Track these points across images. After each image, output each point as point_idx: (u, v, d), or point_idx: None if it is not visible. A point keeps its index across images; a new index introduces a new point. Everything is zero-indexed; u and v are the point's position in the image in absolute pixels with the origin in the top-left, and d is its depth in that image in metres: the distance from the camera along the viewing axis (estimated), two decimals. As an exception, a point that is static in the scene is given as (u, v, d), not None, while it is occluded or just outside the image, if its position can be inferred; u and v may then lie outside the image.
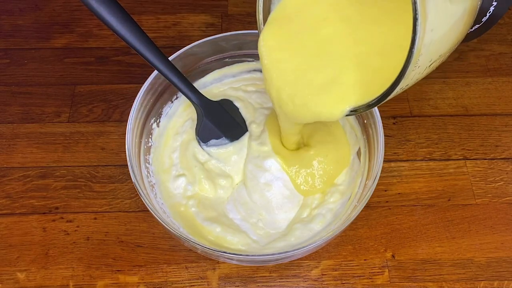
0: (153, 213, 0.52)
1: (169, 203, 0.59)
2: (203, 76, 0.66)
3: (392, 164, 0.66)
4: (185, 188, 0.60)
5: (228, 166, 0.61)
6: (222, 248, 0.56)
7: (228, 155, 0.62)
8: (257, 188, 0.59)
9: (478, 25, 0.47)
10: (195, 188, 0.60)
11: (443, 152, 0.67)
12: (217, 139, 0.61)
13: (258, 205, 0.59)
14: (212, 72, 0.66)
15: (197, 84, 0.65)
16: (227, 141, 0.62)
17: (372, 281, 0.59)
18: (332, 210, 0.59)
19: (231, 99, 0.64)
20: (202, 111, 0.60)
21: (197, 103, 0.59)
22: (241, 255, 0.54)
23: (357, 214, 0.53)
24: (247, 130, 0.63)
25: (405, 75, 0.37)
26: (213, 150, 0.62)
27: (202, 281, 0.59)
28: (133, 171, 0.55)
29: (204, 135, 0.61)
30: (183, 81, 0.57)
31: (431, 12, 0.35)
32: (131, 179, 0.54)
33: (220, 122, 0.61)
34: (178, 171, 0.61)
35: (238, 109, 0.64)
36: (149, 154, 0.61)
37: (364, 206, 0.53)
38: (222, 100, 0.63)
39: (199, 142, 0.62)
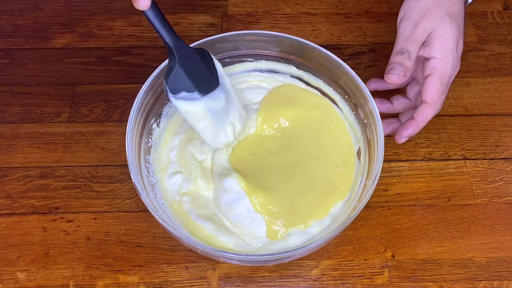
0: (153, 213, 0.52)
1: (167, 201, 0.59)
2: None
3: (392, 164, 0.66)
4: (181, 185, 0.60)
5: (202, 154, 0.61)
6: (215, 247, 0.56)
7: (197, 116, 0.56)
8: (223, 207, 0.59)
9: None
10: (190, 185, 0.60)
11: (443, 152, 0.67)
12: (188, 92, 0.54)
13: (233, 220, 0.59)
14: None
15: None
16: (199, 96, 0.55)
17: (372, 281, 0.59)
18: (331, 214, 0.59)
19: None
20: (176, 55, 0.53)
21: (171, 45, 0.52)
22: (241, 255, 0.54)
23: (357, 214, 0.53)
24: (218, 84, 0.57)
25: None
26: (182, 104, 0.55)
27: (202, 281, 0.59)
28: (133, 171, 0.55)
29: (174, 85, 0.53)
30: (158, 17, 0.51)
31: None
32: (131, 179, 0.54)
33: (194, 73, 0.54)
34: (175, 168, 0.61)
35: (213, 60, 0.57)
36: (149, 154, 0.61)
37: (364, 206, 0.54)
38: (198, 48, 0.56)
39: (167, 92, 0.54)
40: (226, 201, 0.59)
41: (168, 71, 0.53)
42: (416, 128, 0.61)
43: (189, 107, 0.55)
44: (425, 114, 0.61)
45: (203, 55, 0.56)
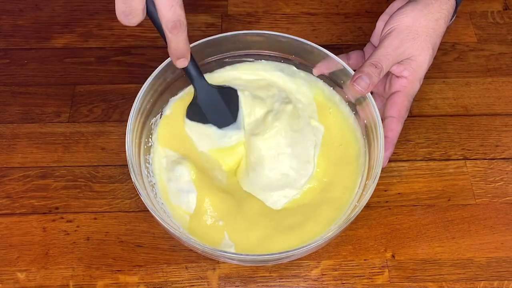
0: (153, 213, 0.52)
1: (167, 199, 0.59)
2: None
3: (392, 164, 0.66)
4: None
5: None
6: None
7: (202, 136, 0.62)
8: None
9: None
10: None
11: (443, 152, 0.67)
12: (203, 123, 0.62)
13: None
14: (212, 72, 0.66)
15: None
16: (213, 127, 0.62)
17: (372, 281, 0.59)
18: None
19: (236, 87, 0.63)
20: (196, 92, 0.60)
21: (193, 84, 0.59)
22: (241, 255, 0.54)
23: (357, 214, 0.53)
24: (234, 121, 0.62)
25: None
26: (193, 124, 0.62)
27: (202, 281, 0.59)
28: (133, 171, 0.55)
29: (192, 115, 0.61)
30: (191, 62, 0.57)
31: None
32: (131, 179, 0.54)
33: (212, 110, 0.61)
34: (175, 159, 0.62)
35: (238, 98, 0.63)
36: (149, 154, 0.61)
37: (364, 206, 0.54)
38: (225, 88, 0.62)
39: (186, 117, 0.62)
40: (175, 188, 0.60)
41: (190, 103, 0.61)
42: (392, 146, 0.61)
43: (198, 128, 0.62)
44: (395, 129, 0.61)
45: (228, 93, 0.62)
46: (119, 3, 0.47)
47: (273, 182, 0.61)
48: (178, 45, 0.52)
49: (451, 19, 0.65)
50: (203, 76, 0.59)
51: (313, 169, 0.61)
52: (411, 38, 0.60)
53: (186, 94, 0.64)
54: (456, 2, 0.64)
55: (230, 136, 0.62)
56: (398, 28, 0.61)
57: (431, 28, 0.61)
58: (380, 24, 0.66)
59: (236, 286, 0.59)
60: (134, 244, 0.61)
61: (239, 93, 0.63)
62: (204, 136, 0.62)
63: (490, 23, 0.79)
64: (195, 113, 0.61)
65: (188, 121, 0.62)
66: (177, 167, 0.60)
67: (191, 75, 0.58)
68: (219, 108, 0.61)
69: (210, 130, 0.62)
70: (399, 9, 0.62)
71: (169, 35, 0.50)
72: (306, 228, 0.58)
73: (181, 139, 0.62)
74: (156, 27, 0.52)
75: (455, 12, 0.65)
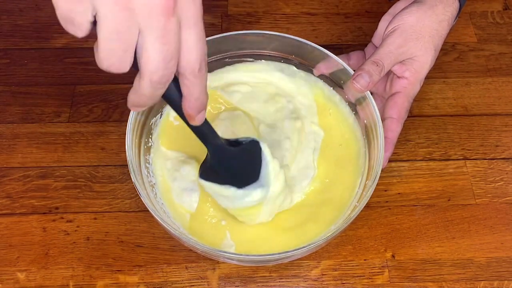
0: (153, 213, 0.52)
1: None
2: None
3: (392, 164, 0.66)
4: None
5: None
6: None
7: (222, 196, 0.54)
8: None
9: None
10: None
11: (443, 152, 0.67)
12: (220, 184, 0.53)
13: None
14: (212, 72, 0.66)
15: None
16: (232, 188, 0.53)
17: (372, 281, 0.59)
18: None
19: (258, 139, 0.53)
20: (209, 151, 0.51)
21: (206, 144, 0.49)
22: (241, 255, 0.54)
23: (357, 214, 0.53)
24: (257, 178, 0.53)
25: None
26: (209, 184, 0.53)
27: (202, 281, 0.59)
28: (133, 171, 0.55)
29: (206, 175, 0.53)
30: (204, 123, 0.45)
31: None
32: (131, 179, 0.54)
33: (227, 170, 0.52)
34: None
35: (261, 150, 0.53)
36: (149, 154, 0.61)
37: (364, 206, 0.54)
38: (244, 142, 0.52)
39: (200, 177, 0.53)
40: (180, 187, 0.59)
41: (203, 161, 0.53)
42: (392, 146, 0.61)
43: (215, 187, 0.53)
44: (395, 130, 0.61)
45: (249, 147, 0.52)
46: (160, 66, 0.36)
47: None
48: (202, 93, 0.40)
49: (454, 21, 0.65)
50: (217, 133, 0.49)
51: (314, 173, 0.61)
52: (414, 38, 0.60)
53: None
54: (460, 5, 0.64)
55: (253, 196, 0.53)
56: (402, 27, 0.61)
57: (434, 30, 0.61)
58: (382, 24, 0.65)
59: (236, 286, 0.59)
60: (134, 244, 0.61)
61: (261, 145, 0.53)
62: (221, 197, 0.54)
63: (490, 23, 0.79)
64: (210, 173, 0.52)
65: (202, 181, 0.53)
66: (183, 167, 0.60)
67: (203, 133, 0.47)
68: (238, 167, 0.53)
69: (228, 191, 0.53)
70: (403, 8, 0.62)
71: (194, 80, 0.38)
72: (306, 228, 0.58)
73: (188, 139, 0.54)
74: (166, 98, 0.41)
75: (457, 14, 0.65)
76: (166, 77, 0.36)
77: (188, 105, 0.40)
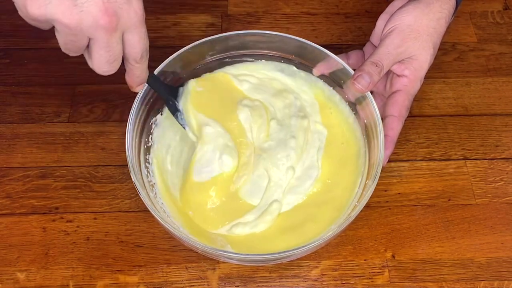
0: (153, 213, 0.52)
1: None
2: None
3: (392, 164, 0.66)
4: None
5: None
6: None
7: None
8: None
9: None
10: None
11: (443, 152, 0.67)
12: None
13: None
14: (212, 72, 0.66)
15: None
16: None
17: (372, 281, 0.59)
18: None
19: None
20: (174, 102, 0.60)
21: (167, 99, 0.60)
22: (241, 254, 0.54)
23: (357, 214, 0.53)
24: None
25: None
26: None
27: (202, 281, 0.59)
28: (133, 171, 0.55)
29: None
30: (155, 83, 0.58)
31: None
32: (131, 179, 0.54)
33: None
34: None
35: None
36: (149, 154, 0.61)
37: (364, 206, 0.54)
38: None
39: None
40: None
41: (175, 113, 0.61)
42: (393, 144, 0.61)
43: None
44: (396, 128, 0.61)
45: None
46: (105, 66, 0.48)
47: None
48: (142, 73, 0.53)
49: (451, 18, 0.65)
50: (165, 91, 0.59)
51: (318, 173, 0.61)
52: (412, 37, 0.60)
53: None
54: (457, 2, 0.64)
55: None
56: (399, 27, 0.61)
57: (432, 28, 0.61)
58: (380, 23, 0.66)
59: (236, 286, 0.59)
60: (134, 244, 0.61)
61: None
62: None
63: (490, 23, 0.79)
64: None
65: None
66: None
67: (155, 89, 0.59)
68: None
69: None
70: (400, 8, 0.62)
71: (136, 65, 0.51)
72: (306, 228, 0.58)
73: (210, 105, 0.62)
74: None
75: (455, 11, 0.65)
76: (112, 71, 0.49)
77: (130, 80, 0.53)
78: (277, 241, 0.57)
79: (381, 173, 0.55)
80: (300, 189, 0.60)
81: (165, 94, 0.59)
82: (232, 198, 0.59)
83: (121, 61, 0.49)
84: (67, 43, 0.46)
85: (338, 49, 0.75)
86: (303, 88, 0.66)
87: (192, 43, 0.61)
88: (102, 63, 0.48)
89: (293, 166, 0.61)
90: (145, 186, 0.56)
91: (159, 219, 0.52)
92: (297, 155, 0.61)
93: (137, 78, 0.53)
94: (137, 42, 0.48)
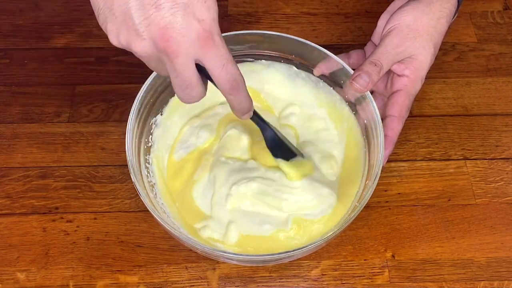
0: (153, 213, 0.52)
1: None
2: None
3: (392, 164, 0.66)
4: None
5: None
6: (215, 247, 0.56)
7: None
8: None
9: None
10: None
11: (443, 152, 0.67)
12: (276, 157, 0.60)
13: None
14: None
15: None
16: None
17: (372, 281, 0.59)
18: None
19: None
20: (264, 137, 0.59)
21: (262, 131, 0.58)
22: (241, 255, 0.54)
23: (357, 214, 0.53)
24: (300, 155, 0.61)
25: None
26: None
27: (202, 281, 0.59)
28: (133, 171, 0.55)
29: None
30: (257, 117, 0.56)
31: None
32: (131, 179, 0.54)
33: (279, 149, 0.60)
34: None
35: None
36: (149, 154, 0.61)
37: (364, 206, 0.53)
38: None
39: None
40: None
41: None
42: (392, 145, 0.61)
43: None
44: (396, 128, 0.61)
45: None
46: (179, 92, 0.46)
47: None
48: (241, 104, 0.48)
49: (453, 17, 0.65)
50: (266, 122, 0.57)
51: (334, 201, 0.59)
52: (411, 37, 0.60)
53: None
54: (458, 1, 0.64)
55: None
56: (399, 27, 0.61)
57: (432, 27, 0.61)
58: (381, 23, 0.66)
59: (236, 286, 0.59)
60: (134, 244, 0.61)
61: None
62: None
63: (490, 23, 0.79)
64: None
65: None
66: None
67: (256, 122, 0.57)
68: (284, 146, 0.60)
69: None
70: (400, 7, 0.62)
71: (229, 97, 0.47)
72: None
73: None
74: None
75: (456, 10, 0.65)
76: (187, 99, 0.47)
77: (233, 109, 0.49)
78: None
79: (381, 173, 0.55)
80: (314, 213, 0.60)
81: None
82: (187, 194, 0.61)
83: (199, 90, 0.46)
84: (153, 68, 0.47)
85: (338, 49, 0.74)
86: (303, 89, 0.66)
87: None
88: (176, 88, 0.46)
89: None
90: (145, 186, 0.56)
91: (159, 219, 0.52)
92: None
93: (239, 107, 0.49)
94: (215, 69, 0.44)
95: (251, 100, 0.49)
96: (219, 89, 0.46)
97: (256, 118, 0.56)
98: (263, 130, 0.58)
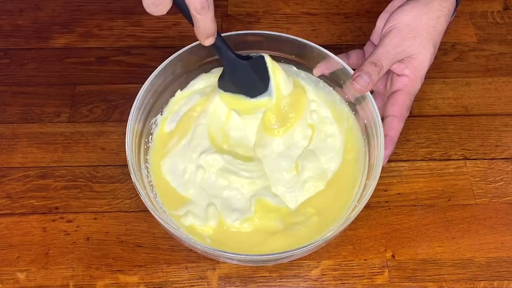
0: (153, 213, 0.52)
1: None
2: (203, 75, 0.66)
3: (392, 164, 0.66)
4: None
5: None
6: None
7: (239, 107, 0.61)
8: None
9: None
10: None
11: (443, 152, 0.67)
12: (235, 93, 0.61)
13: None
14: (212, 72, 0.66)
15: (197, 82, 0.65)
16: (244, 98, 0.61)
17: (372, 281, 0.59)
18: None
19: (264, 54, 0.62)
20: (224, 64, 0.60)
21: (221, 57, 0.59)
22: (241, 255, 0.54)
23: (357, 214, 0.53)
24: (266, 90, 0.61)
25: None
26: (226, 95, 0.61)
27: (202, 281, 0.59)
28: (133, 171, 0.55)
29: (224, 86, 0.61)
30: (218, 39, 0.57)
31: None
32: (131, 179, 0.54)
33: (242, 81, 0.60)
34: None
35: (266, 65, 0.60)
36: (149, 154, 0.61)
37: (364, 206, 0.54)
38: (253, 57, 0.60)
39: (218, 87, 0.61)
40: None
41: (221, 75, 0.61)
42: (393, 144, 0.61)
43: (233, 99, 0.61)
44: (396, 128, 0.61)
45: (257, 61, 0.60)
46: (150, 4, 0.49)
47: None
48: (207, 24, 0.52)
49: (452, 17, 0.65)
50: (231, 49, 0.59)
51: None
52: (411, 37, 0.60)
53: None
54: (456, 0, 0.64)
55: (261, 102, 0.61)
56: (398, 27, 0.61)
57: (431, 26, 0.61)
58: (380, 22, 0.66)
59: (236, 286, 0.59)
60: (134, 244, 0.61)
61: (266, 58, 0.60)
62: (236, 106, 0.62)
63: (490, 23, 0.79)
64: (226, 84, 0.61)
65: (220, 91, 0.61)
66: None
67: (218, 49, 0.58)
68: (249, 78, 0.60)
69: (242, 100, 0.61)
70: (399, 7, 0.62)
71: (197, 16, 0.51)
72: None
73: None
74: (181, 11, 0.52)
75: (455, 9, 0.65)
76: (157, 13, 0.50)
77: (197, 32, 0.53)
78: (277, 241, 0.57)
79: (381, 173, 0.55)
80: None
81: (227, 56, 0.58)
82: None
83: (170, 5, 0.50)
84: None
85: (338, 49, 0.74)
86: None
87: (192, 43, 0.61)
88: (149, 3, 0.49)
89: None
90: (145, 186, 0.56)
91: (159, 219, 0.52)
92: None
93: (203, 31, 0.53)
94: None
95: (216, 25, 0.53)
96: (189, 8, 0.50)
97: (220, 41, 0.57)
98: (225, 59, 0.59)
